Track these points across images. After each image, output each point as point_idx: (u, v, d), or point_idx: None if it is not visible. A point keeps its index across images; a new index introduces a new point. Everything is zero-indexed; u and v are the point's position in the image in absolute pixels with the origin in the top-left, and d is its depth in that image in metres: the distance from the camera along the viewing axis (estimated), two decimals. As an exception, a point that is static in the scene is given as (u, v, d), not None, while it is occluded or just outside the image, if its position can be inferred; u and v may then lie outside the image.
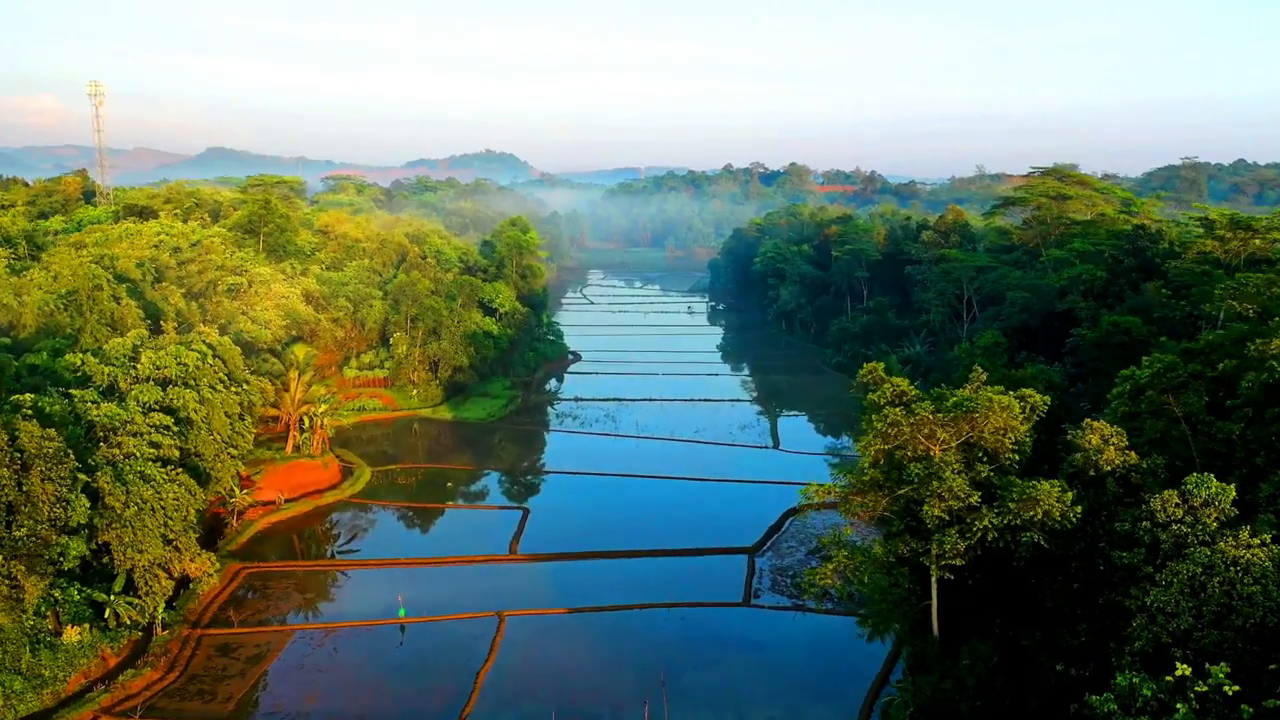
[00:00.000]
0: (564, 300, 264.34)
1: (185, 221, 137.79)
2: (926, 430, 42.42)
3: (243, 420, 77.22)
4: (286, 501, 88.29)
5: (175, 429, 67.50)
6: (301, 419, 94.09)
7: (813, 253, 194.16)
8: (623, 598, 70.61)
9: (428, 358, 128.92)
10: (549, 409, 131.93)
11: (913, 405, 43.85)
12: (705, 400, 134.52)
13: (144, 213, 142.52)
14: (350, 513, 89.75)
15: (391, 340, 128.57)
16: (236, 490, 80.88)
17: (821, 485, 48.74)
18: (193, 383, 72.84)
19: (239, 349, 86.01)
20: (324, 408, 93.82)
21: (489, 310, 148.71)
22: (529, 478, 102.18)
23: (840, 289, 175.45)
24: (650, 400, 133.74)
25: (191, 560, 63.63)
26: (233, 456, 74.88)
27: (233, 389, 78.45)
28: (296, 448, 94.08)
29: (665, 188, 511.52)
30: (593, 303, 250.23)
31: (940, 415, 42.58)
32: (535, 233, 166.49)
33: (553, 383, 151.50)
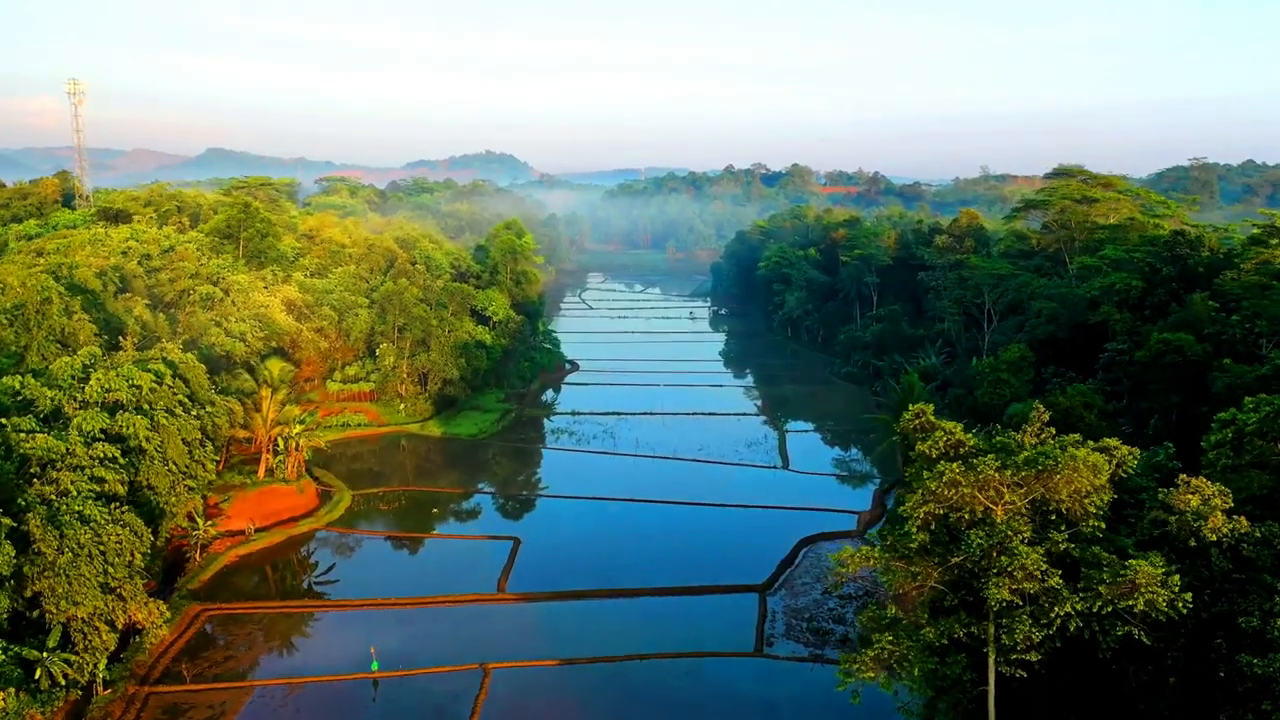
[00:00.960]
0: (562, 304, 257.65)
1: (162, 226, 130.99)
2: (991, 491, 35.41)
3: (204, 447, 70.24)
4: (257, 531, 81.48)
5: (123, 461, 60.60)
6: (276, 441, 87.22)
7: (819, 257, 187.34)
8: (620, 645, 63.68)
9: (416, 370, 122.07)
10: (544, 423, 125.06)
11: (973, 460, 36.62)
12: (709, 414, 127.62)
13: (119, 216, 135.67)
14: (326, 543, 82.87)
15: (378, 352, 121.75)
16: (200, 522, 74.03)
17: (858, 551, 41.63)
18: (147, 407, 65.97)
19: (204, 367, 79.06)
20: (299, 429, 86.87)
21: (482, 319, 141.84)
22: (520, 502, 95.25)
23: (849, 295, 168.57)
24: (651, 414, 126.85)
25: (139, 609, 56.70)
26: (191, 489, 67.98)
27: (194, 412, 71.56)
28: (270, 471, 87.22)
29: (666, 189, 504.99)
30: (591, 308, 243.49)
31: (1008, 473, 35.55)
32: (531, 237, 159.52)
33: (549, 393, 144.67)
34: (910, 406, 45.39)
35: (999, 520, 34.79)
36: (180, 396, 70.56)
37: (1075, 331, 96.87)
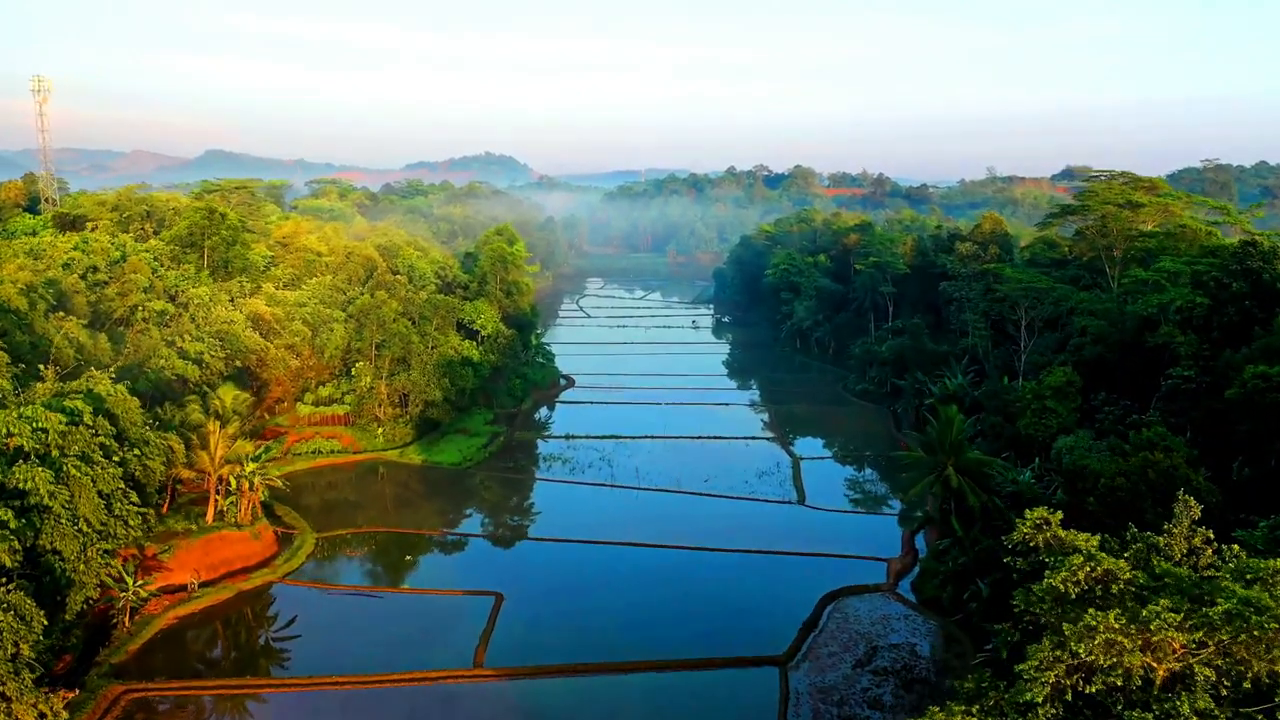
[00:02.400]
0: (560, 310, 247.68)
1: (121, 233, 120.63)
2: (1166, 655, 25.01)
3: (128, 498, 59.87)
4: (202, 586, 71.15)
5: (16, 524, 50.24)
6: (228, 480, 76.84)
7: (830, 264, 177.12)
8: (617, 742, 53.44)
9: (395, 391, 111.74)
10: (536, 447, 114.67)
11: (1138, 608, 25.43)
12: (715, 438, 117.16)
13: (76, 223, 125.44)
14: (281, 599, 72.51)
15: (353, 371, 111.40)
16: (129, 582, 63.68)
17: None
18: (56, 454, 55.64)
19: (137, 400, 68.64)
20: (252, 466, 76.47)
21: (470, 333, 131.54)
22: (505, 546, 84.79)
23: (862, 305, 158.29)
24: (652, 438, 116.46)
25: (26, 711, 46.36)
26: (108, 552, 57.60)
27: (120, 456, 61.21)
28: (220, 514, 76.82)
29: (666, 190, 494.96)
30: (589, 316, 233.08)
31: (1199, 633, 24.99)
32: (523, 244, 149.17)
33: (543, 411, 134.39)
34: (1028, 513, 34.54)
35: (1157, 678, 24.36)
36: (102, 438, 60.21)
37: (1126, 353, 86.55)
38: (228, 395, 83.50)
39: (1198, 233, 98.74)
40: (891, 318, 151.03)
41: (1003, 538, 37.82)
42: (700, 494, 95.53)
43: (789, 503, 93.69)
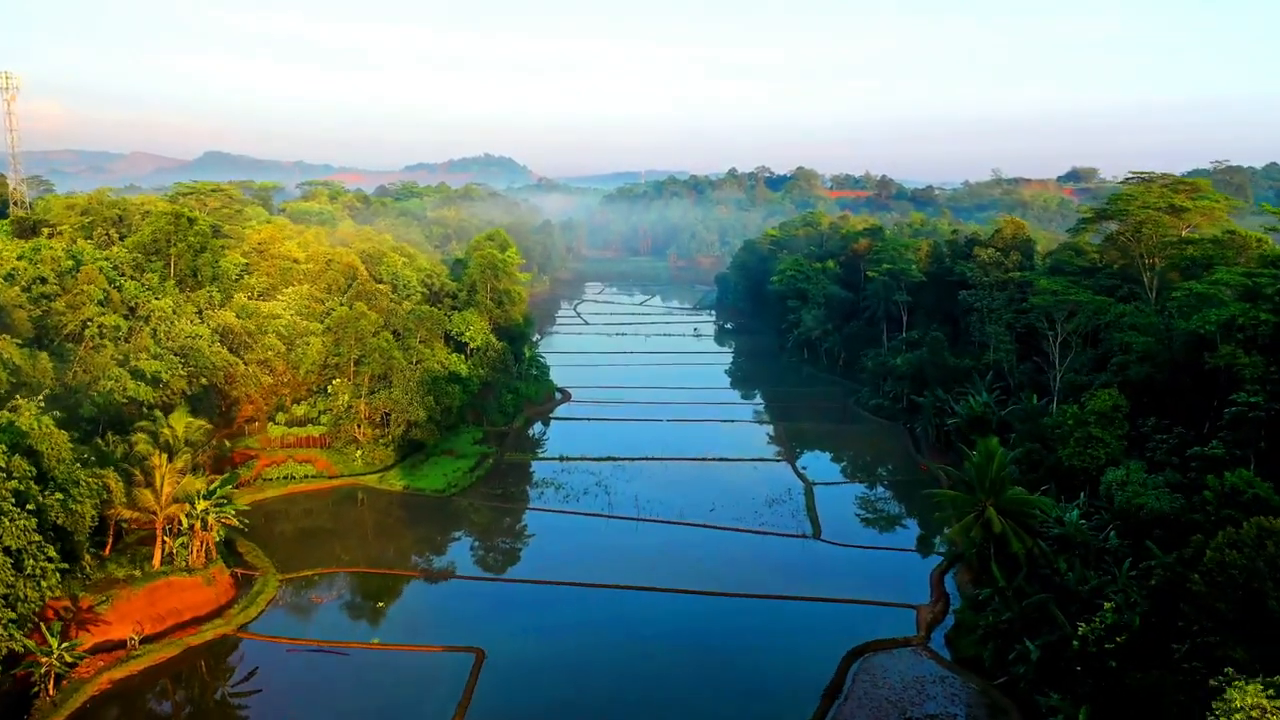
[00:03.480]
0: (557, 316, 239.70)
1: (84, 239, 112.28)
2: None
3: (44, 552, 51.57)
4: (144, 641, 62.94)
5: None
6: (178, 519, 68.53)
7: (839, 270, 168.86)
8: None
9: (375, 410, 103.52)
10: (527, 471, 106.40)
11: None
12: (719, 460, 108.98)
13: (36, 229, 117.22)
14: (233, 657, 64.25)
15: (330, 389, 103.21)
16: (53, 644, 55.41)
17: None
18: (-45, 505, 47.38)
19: (66, 433, 60.38)
20: (204, 505, 68.17)
21: (459, 345, 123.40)
22: (489, 589, 76.41)
23: (874, 315, 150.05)
24: (652, 460, 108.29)
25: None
26: (19, 616, 49.28)
27: (33, 504, 52.91)
28: (169, 558, 68.53)
29: (666, 192, 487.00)
30: (587, 323, 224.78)
31: None
32: (515, 250, 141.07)
33: (537, 428, 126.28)
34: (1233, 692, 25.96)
35: None
36: (17, 482, 51.94)
37: (1177, 374, 78.33)
38: (180, 423, 75.24)
39: (1248, 240, 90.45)
40: (906, 328, 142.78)
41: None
42: (705, 526, 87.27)
43: (803, 536, 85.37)
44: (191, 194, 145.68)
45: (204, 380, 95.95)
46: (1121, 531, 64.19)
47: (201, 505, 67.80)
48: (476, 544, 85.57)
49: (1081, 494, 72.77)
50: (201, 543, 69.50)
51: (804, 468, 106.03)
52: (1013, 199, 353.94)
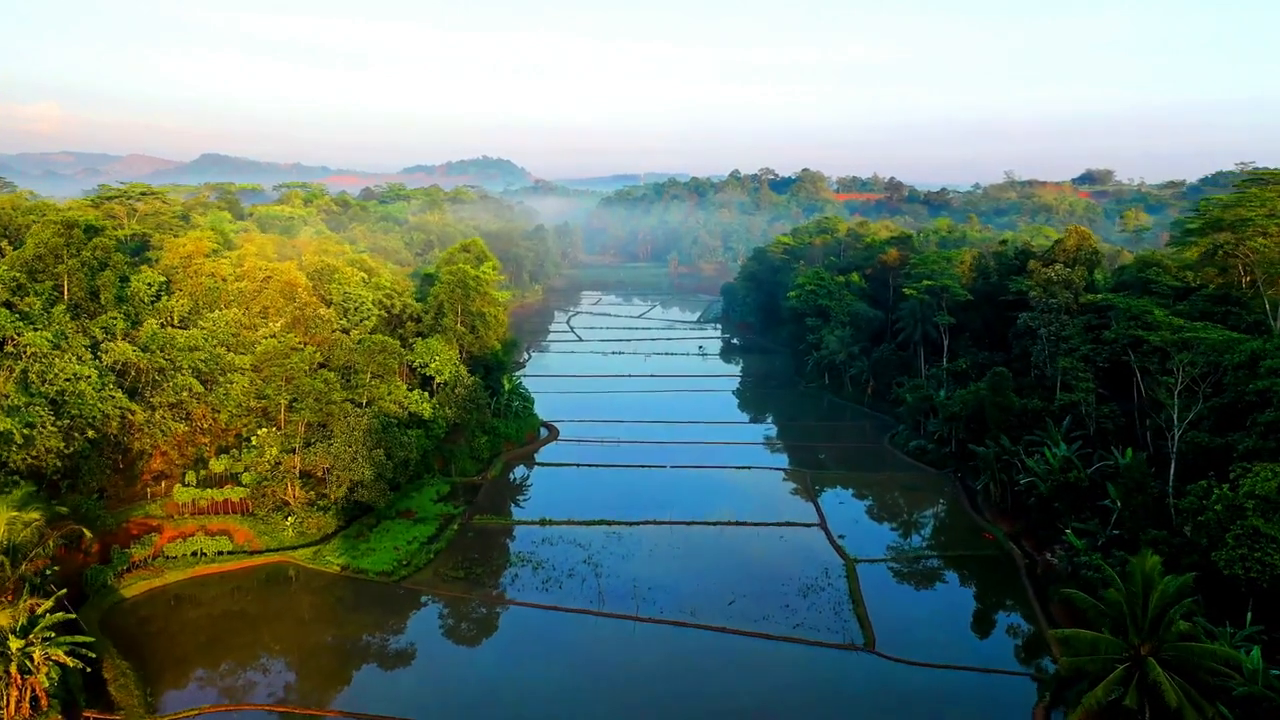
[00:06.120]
0: (550, 329, 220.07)
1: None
2: None
3: None
4: None
5: None
6: (-10, 655, 48.66)
7: (865, 285, 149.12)
8: None
9: (314, 465, 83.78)
10: (501, 541, 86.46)
11: None
12: (737, 524, 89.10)
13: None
14: None
15: (254, 440, 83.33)
16: None
17: None
18: None
19: None
20: (18, 644, 48.20)
21: (424, 380, 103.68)
22: (438, 735, 56.50)
23: (910, 337, 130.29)
24: (654, 524, 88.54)
25: None
26: None
27: None
28: (-24, 712, 48.68)
29: (667, 195, 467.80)
30: (581, 339, 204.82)
31: None
32: (493, 263, 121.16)
33: (519, 471, 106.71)
34: None
35: None
36: None
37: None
38: (0, 518, 55.03)
39: None
40: (947, 353, 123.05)
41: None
42: (724, 630, 67.36)
43: (852, 648, 65.35)
44: (117, 197, 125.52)
45: (90, 433, 76.35)
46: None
47: (16, 644, 47.82)
48: (426, 665, 65.29)
49: (1247, 614, 53.04)
50: (27, 689, 49.59)
51: (841, 536, 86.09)
52: (1034, 203, 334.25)
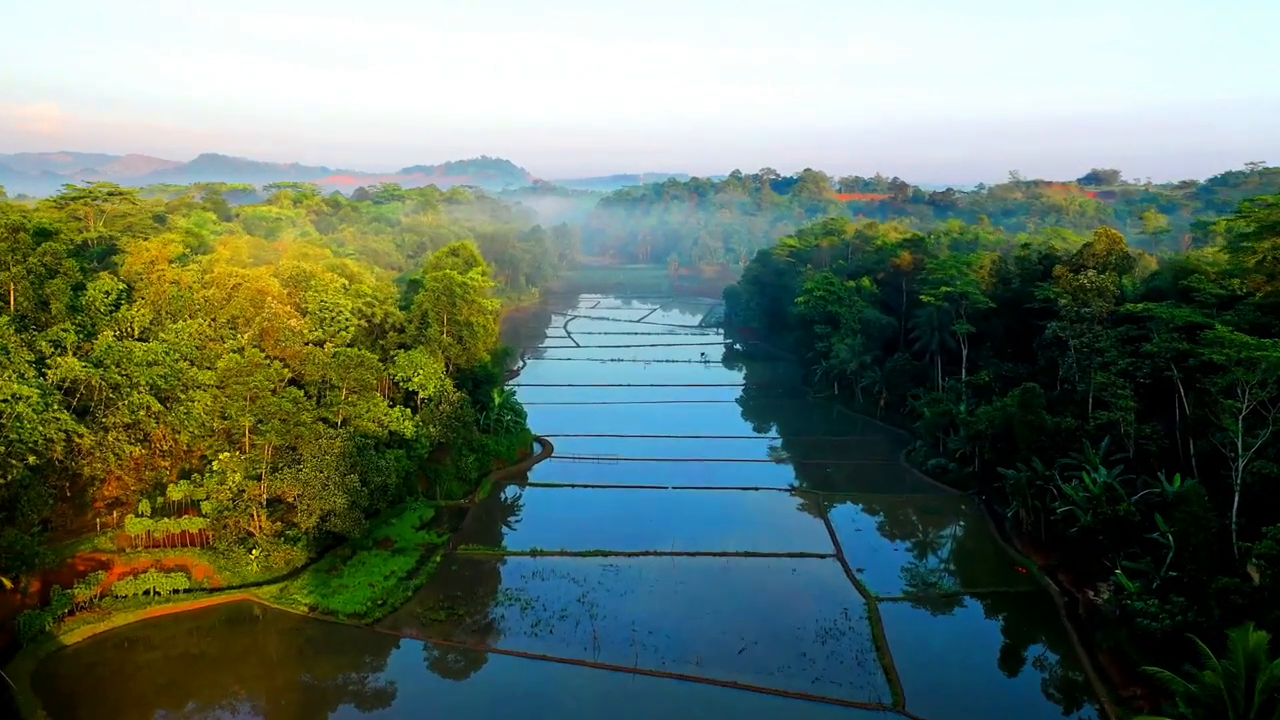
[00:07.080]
0: (546, 333, 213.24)
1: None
2: None
3: None
4: None
5: None
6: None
7: (876, 290, 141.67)
8: None
9: (282, 492, 76.35)
10: (488, 573, 79.01)
11: None
12: (745, 554, 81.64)
13: None
14: None
15: (214, 466, 75.87)
16: None
17: None
18: None
19: None
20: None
21: (407, 396, 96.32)
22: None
23: (926, 347, 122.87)
24: (654, 554, 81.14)
25: None
26: None
27: None
28: None
29: (667, 195, 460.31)
30: (579, 344, 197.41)
31: None
32: (482, 268, 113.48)
33: (510, 491, 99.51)
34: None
35: None
36: None
37: None
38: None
39: None
40: (966, 364, 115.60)
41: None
42: (733, 686, 59.92)
43: (879, 707, 57.87)
44: (82, 198, 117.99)
45: (32, 459, 68.93)
46: None
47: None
48: None
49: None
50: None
51: (860, 570, 78.61)
52: (1043, 204, 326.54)
